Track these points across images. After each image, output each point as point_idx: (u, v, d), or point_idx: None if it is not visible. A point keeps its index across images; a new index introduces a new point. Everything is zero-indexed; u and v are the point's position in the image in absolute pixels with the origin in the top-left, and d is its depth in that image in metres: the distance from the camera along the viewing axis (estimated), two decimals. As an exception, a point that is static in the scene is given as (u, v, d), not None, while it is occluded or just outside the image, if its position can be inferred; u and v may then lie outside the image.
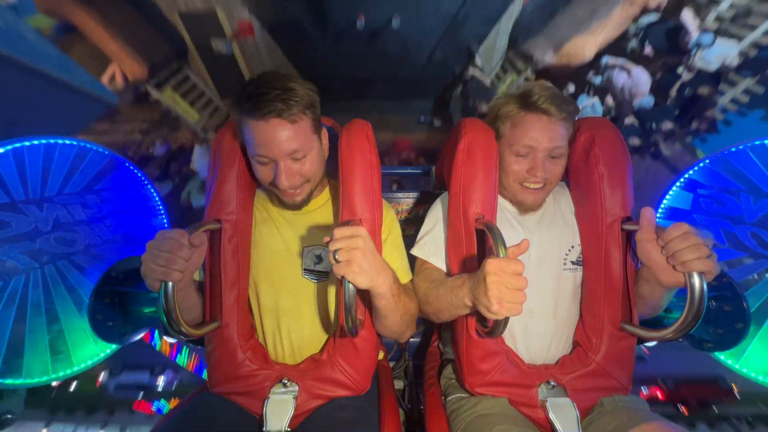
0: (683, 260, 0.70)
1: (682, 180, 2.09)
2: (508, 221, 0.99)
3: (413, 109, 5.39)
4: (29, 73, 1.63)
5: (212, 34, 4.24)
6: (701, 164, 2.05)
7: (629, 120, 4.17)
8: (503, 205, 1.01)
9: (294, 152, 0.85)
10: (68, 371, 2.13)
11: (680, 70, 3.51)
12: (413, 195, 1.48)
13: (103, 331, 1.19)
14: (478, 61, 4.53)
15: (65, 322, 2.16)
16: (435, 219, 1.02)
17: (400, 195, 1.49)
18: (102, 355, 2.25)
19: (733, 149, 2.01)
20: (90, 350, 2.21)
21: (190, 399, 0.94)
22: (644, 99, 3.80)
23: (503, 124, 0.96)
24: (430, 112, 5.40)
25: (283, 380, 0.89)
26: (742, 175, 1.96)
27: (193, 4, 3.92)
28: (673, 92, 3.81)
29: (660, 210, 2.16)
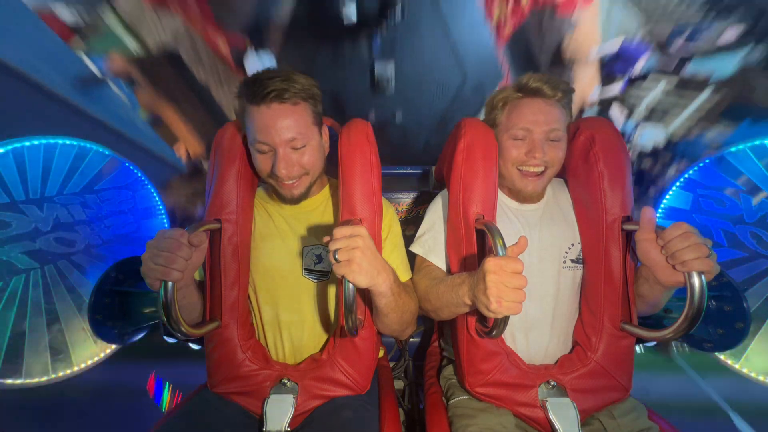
0: (683, 260, 0.70)
1: (682, 180, 2.09)
2: (507, 217, 0.98)
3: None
4: (139, 149, 2.75)
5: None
6: (701, 164, 2.05)
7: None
8: (503, 200, 1.01)
9: (293, 140, 0.85)
10: (68, 371, 2.13)
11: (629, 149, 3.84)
12: (413, 195, 1.48)
13: (103, 331, 1.19)
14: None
15: (65, 322, 2.16)
16: (435, 216, 1.02)
17: (400, 195, 1.49)
18: (102, 355, 2.25)
19: (733, 149, 2.01)
20: (90, 350, 2.21)
21: (189, 399, 0.94)
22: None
23: (500, 111, 0.98)
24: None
25: (283, 380, 0.89)
26: (742, 175, 1.96)
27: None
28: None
29: (660, 210, 2.16)
